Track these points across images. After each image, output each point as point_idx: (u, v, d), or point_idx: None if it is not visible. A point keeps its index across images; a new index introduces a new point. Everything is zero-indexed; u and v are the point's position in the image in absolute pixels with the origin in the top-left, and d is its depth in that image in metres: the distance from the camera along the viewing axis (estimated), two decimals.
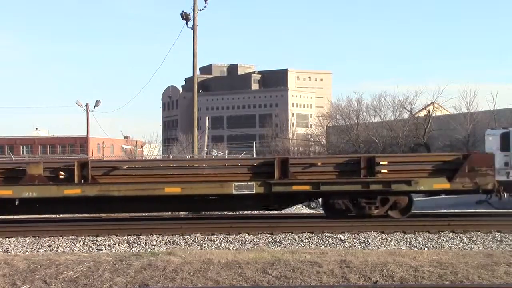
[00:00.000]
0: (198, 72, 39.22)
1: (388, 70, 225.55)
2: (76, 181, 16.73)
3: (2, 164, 19.55)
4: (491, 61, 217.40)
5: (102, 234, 15.43)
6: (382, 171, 16.75)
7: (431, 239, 14.47)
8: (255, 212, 19.91)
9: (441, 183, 16.75)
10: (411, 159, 18.60)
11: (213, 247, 13.92)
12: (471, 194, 18.29)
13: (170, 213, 22.59)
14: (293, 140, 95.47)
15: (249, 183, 16.65)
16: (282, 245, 14.01)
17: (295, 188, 16.79)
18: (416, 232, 15.04)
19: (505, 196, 17.80)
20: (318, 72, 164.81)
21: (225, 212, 20.74)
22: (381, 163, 16.82)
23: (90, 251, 13.74)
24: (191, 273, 10.66)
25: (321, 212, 20.25)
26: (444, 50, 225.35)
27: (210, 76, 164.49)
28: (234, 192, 16.59)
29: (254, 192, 16.62)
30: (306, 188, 16.82)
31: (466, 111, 62.96)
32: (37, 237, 15.24)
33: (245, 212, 20.33)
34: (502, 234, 14.74)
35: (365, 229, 15.37)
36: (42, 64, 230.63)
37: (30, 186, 16.60)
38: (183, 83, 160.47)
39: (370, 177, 16.71)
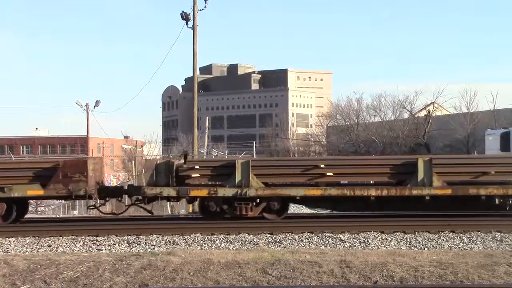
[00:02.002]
0: (198, 72, 39.23)
1: (388, 70, 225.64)
2: None
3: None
4: (491, 61, 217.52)
5: (102, 234, 15.43)
6: None
7: (431, 239, 14.46)
8: None
9: (35, 190, 16.93)
10: (6, 166, 18.57)
11: (213, 247, 13.92)
12: (65, 199, 18.55)
13: (170, 212, 22.61)
14: (293, 140, 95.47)
15: None
16: (282, 245, 14.01)
17: None
18: (416, 232, 15.03)
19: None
20: (318, 72, 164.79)
21: None
22: None
23: (90, 251, 13.74)
24: (191, 273, 10.65)
25: (322, 212, 20.26)
26: (444, 50, 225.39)
27: (210, 76, 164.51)
28: None
29: None
30: None
31: (466, 111, 62.92)
32: (37, 237, 15.24)
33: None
34: (502, 234, 14.74)
35: (365, 229, 15.36)
36: (42, 64, 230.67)
37: None
38: (183, 83, 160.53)
39: None
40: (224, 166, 17.29)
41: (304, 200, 17.76)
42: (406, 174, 16.67)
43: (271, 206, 16.85)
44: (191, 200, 17.84)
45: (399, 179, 16.82)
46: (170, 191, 16.85)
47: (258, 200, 16.91)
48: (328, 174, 16.77)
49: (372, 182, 17.43)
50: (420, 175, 16.36)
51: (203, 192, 16.76)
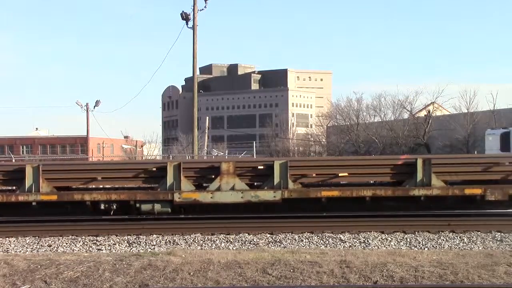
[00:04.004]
0: (198, 72, 39.27)
1: (388, 70, 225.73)
2: None
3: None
4: (491, 61, 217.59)
5: (102, 234, 15.43)
6: None
7: (431, 239, 14.47)
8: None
9: None
10: None
11: (213, 247, 13.93)
12: None
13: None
14: (293, 140, 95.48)
15: None
16: (282, 245, 14.02)
17: None
18: (416, 232, 15.04)
19: None
20: (318, 72, 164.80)
21: None
22: None
23: (90, 251, 13.75)
24: (191, 273, 10.66)
25: (322, 212, 20.27)
26: (444, 50, 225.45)
27: (210, 76, 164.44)
28: None
29: None
30: None
31: (466, 111, 62.97)
32: (37, 237, 15.25)
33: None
34: (502, 234, 14.75)
35: (365, 229, 15.37)
36: (42, 64, 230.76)
37: None
38: (183, 83, 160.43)
39: None
40: None
41: None
42: (16, 180, 16.78)
43: None
44: None
45: (10, 185, 17.06)
46: None
47: None
48: None
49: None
50: (29, 182, 16.47)
51: None
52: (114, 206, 16.62)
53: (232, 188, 16.28)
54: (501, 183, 16.50)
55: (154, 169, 16.78)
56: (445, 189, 16.31)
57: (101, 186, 18.01)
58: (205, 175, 16.79)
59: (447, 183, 16.59)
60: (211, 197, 16.31)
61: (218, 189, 16.32)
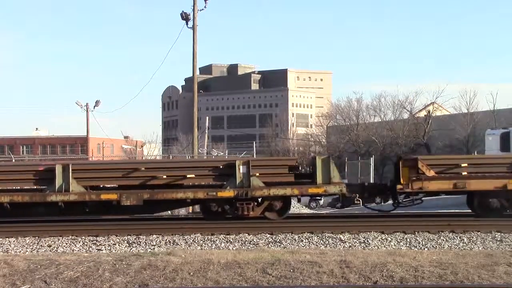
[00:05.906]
0: (198, 72, 39.25)
1: (388, 70, 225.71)
2: None
3: None
4: (491, 61, 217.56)
5: (102, 234, 15.42)
6: None
7: (431, 239, 14.46)
8: None
9: None
10: None
11: (213, 247, 13.92)
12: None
13: (170, 212, 22.60)
14: (293, 140, 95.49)
15: None
16: (282, 245, 14.01)
17: None
18: (416, 232, 15.04)
19: None
20: (318, 72, 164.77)
21: None
22: None
23: (90, 251, 13.75)
24: (191, 273, 10.66)
25: (321, 212, 20.27)
26: (444, 50, 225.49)
27: (210, 76, 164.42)
28: None
29: None
30: None
31: (466, 111, 62.95)
32: (37, 237, 15.24)
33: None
34: (502, 234, 14.74)
35: (365, 229, 15.37)
36: (42, 64, 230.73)
37: None
38: (183, 83, 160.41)
39: None
40: None
41: None
42: None
43: None
44: None
45: None
46: None
47: None
48: None
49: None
50: None
51: None
52: None
53: None
54: (140, 188, 16.76)
55: None
56: (83, 195, 16.55)
57: None
58: None
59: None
60: None
61: None
